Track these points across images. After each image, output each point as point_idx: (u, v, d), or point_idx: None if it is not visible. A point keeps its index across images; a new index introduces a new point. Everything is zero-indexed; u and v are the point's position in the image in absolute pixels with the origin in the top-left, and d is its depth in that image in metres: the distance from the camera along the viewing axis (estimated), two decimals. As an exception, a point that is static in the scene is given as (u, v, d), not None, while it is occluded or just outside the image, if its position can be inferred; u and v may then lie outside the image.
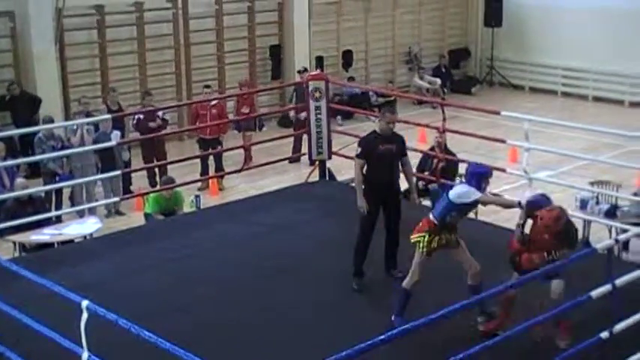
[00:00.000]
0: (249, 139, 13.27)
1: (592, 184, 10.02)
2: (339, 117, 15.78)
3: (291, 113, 13.98)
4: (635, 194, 9.31)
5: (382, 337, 3.88)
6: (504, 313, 6.00)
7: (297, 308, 6.72)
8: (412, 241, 6.25)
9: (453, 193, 6.19)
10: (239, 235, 8.46)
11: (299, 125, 12.91)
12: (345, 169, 10.92)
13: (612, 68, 17.47)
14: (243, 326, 6.39)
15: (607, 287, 4.88)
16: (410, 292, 6.22)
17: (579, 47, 17.91)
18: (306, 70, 14.50)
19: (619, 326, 4.95)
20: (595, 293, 4.86)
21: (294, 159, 12.80)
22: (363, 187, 7.11)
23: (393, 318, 6.18)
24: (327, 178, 10.44)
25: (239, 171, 10.39)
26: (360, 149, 7.08)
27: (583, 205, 9.24)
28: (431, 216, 6.26)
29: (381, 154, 7.07)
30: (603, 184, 10.02)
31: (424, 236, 6.19)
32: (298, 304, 6.80)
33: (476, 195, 6.09)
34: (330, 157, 10.26)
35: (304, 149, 10.97)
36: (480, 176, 6.25)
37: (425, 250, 6.17)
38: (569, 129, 12.69)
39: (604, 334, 4.88)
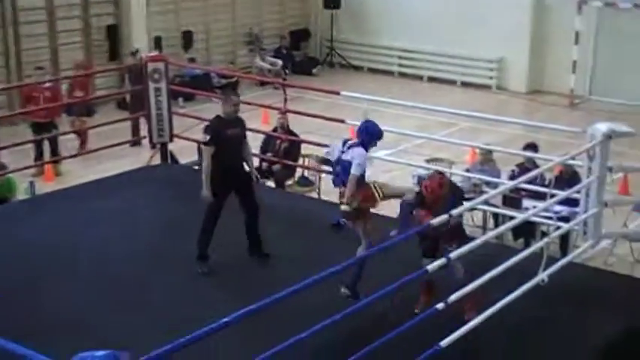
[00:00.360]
0: (82, 123, 12.79)
1: (428, 161, 10.42)
2: (180, 99, 15.54)
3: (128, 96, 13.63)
4: (468, 170, 9.76)
5: (226, 319, 3.87)
6: (426, 296, 6.10)
7: (142, 292, 6.60)
8: (380, 193, 6.27)
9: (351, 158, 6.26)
10: (78, 221, 8.18)
11: (135, 108, 12.63)
12: (188, 152, 10.79)
13: (445, 50, 18.19)
14: (85, 311, 6.22)
15: (443, 260, 5.08)
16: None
17: (414, 29, 18.51)
18: (138, 51, 14.15)
19: (453, 297, 5.18)
20: (431, 266, 5.05)
21: (135, 142, 12.50)
22: (212, 173, 6.96)
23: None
24: (170, 161, 10.26)
25: (75, 155, 10.02)
26: (208, 136, 6.94)
27: (419, 181, 9.56)
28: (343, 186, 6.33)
29: (229, 139, 7.02)
30: (438, 161, 10.44)
31: (372, 184, 6.31)
32: (143, 288, 6.68)
33: (358, 169, 6.19)
34: (171, 140, 10.10)
35: (144, 132, 10.71)
36: (373, 137, 6.35)
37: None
38: (406, 108, 13.10)
39: (440, 305, 5.08)
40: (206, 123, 7.18)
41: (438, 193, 6.00)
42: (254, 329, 5.00)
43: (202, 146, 7.05)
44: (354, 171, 6.21)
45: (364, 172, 6.29)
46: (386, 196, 6.40)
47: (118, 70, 15.68)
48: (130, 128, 12.94)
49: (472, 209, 8.35)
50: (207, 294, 6.61)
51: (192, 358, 4.55)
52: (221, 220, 7.04)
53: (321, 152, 10.35)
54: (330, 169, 6.78)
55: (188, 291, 6.70)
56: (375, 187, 6.34)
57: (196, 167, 10.42)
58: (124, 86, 14.60)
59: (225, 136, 6.97)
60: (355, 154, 6.25)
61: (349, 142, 6.39)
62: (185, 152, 10.79)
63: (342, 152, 6.37)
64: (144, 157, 11.25)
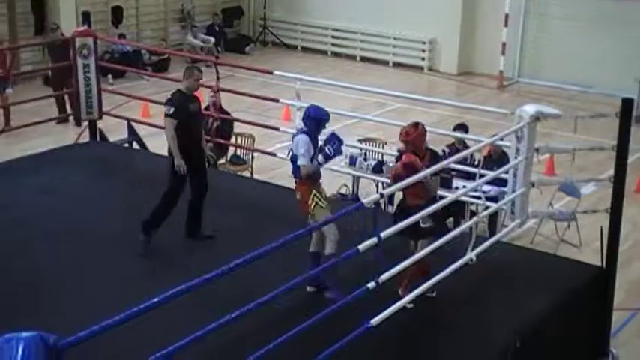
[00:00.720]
0: (4, 99, 12.41)
1: (360, 141, 10.47)
2: (109, 76, 15.26)
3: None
4: (399, 151, 9.81)
5: (157, 299, 3.82)
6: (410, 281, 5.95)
7: (73, 271, 6.49)
8: (311, 209, 5.98)
9: (294, 147, 6.09)
10: (4, 199, 7.96)
11: (57, 85, 12.37)
12: (117, 130, 10.61)
13: (377, 29, 18.27)
14: (11, 291, 6.07)
15: (373, 240, 5.12)
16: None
17: (347, 9, 18.53)
18: (58, 27, 13.80)
19: (384, 276, 5.23)
20: (362, 246, 5.08)
21: (61, 120, 12.22)
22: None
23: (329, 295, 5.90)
24: (99, 139, 10.07)
25: (1, 132, 9.74)
26: (172, 108, 6.82)
27: (352, 161, 9.62)
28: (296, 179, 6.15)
29: (192, 114, 6.96)
30: (371, 142, 10.50)
31: (314, 194, 6.02)
32: (73, 266, 6.57)
33: (303, 159, 6.01)
34: (101, 117, 9.91)
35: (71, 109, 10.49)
36: (318, 122, 6.17)
37: (324, 203, 6.01)
38: (338, 88, 13.13)
39: (371, 284, 5.12)
40: (167, 96, 7.03)
41: (415, 136, 6.08)
42: (188, 311, 4.97)
43: (166, 118, 6.88)
44: (300, 162, 6.03)
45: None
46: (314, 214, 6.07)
47: (39, 45, 15.23)
48: (56, 105, 12.64)
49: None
50: (143, 272, 6.52)
51: (123, 339, 4.51)
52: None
53: (253, 131, 10.35)
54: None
55: (120, 270, 6.58)
56: (315, 199, 6.05)
57: (126, 145, 10.27)
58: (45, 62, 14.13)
59: (188, 110, 6.91)
60: (298, 144, 6.06)
61: (296, 130, 6.30)
62: (114, 130, 10.60)
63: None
64: (71, 135, 11.03)
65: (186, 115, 6.88)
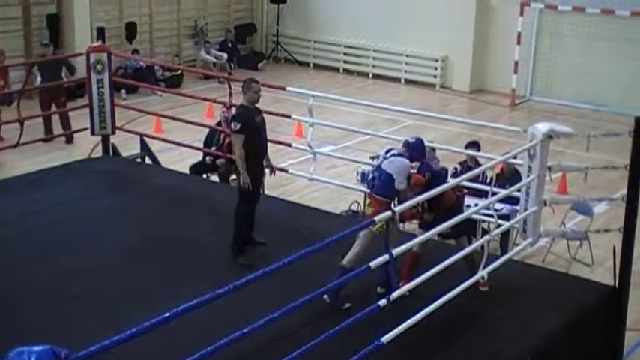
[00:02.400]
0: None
1: (372, 158, 10.44)
2: (123, 91, 15.36)
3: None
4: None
5: (168, 314, 3.83)
6: (408, 271, 6.12)
7: (84, 282, 6.50)
8: (378, 231, 5.79)
9: (393, 168, 6.08)
10: (17, 213, 8.00)
11: (45, 104, 12.44)
12: (130, 145, 10.66)
13: (389, 46, 18.32)
14: (23, 304, 6.09)
15: (385, 257, 5.12)
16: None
17: (359, 26, 18.59)
18: (49, 44, 13.87)
19: (396, 293, 5.22)
20: (373, 263, 5.08)
21: (67, 139, 12.31)
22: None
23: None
24: (111, 154, 10.12)
25: (15, 146, 9.78)
26: (238, 124, 6.83)
27: (363, 178, 9.60)
28: (375, 195, 6.12)
29: (257, 127, 7.01)
30: (382, 158, 10.48)
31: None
32: (85, 279, 6.59)
33: (402, 183, 6.04)
34: (114, 132, 9.96)
35: (76, 125, 10.51)
36: (419, 157, 6.26)
37: (381, 230, 5.83)
38: (350, 105, 13.15)
39: (382, 302, 5.12)
40: (232, 112, 7.13)
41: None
42: (200, 325, 4.98)
43: (233, 135, 6.93)
44: (403, 187, 6.05)
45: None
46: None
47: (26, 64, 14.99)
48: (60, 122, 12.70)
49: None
50: (155, 286, 6.53)
51: (134, 353, 4.52)
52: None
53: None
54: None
55: (133, 282, 6.59)
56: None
57: (138, 160, 10.32)
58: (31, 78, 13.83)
59: (253, 124, 6.95)
60: (402, 166, 6.09)
61: (394, 151, 6.26)
62: (127, 145, 10.65)
63: (385, 159, 6.21)
64: (84, 149, 11.08)
65: (252, 129, 6.90)
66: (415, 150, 6.29)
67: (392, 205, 5.79)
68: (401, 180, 6.05)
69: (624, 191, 6.68)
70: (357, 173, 9.87)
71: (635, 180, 6.61)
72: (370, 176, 6.32)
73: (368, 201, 6.21)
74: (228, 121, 10.05)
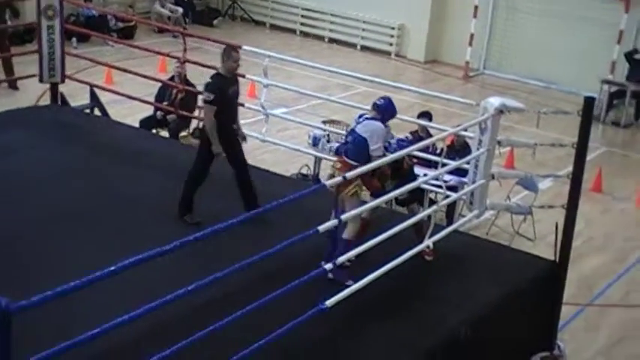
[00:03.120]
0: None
1: (324, 122, 10.45)
2: (74, 39, 15.02)
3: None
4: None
5: (113, 267, 3.78)
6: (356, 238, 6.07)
7: (33, 234, 6.40)
8: (350, 194, 5.89)
9: (366, 131, 6.02)
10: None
11: (5, 46, 12.14)
12: (80, 95, 10.45)
13: (347, 12, 18.23)
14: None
15: (334, 222, 5.13)
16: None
17: (319, -11, 18.45)
18: None
19: (342, 258, 5.25)
20: (322, 227, 5.08)
21: (11, 85, 12.01)
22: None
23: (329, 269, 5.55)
24: (60, 102, 9.91)
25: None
26: (212, 95, 6.66)
27: (315, 142, 9.62)
28: (347, 159, 6.05)
29: (231, 98, 6.87)
30: (334, 123, 10.49)
31: (358, 182, 5.93)
32: (32, 229, 6.49)
33: (379, 150, 6.01)
34: (63, 81, 9.75)
35: (24, 71, 10.27)
36: (390, 117, 6.23)
37: (361, 194, 5.98)
38: (305, 68, 13.07)
39: (328, 266, 5.14)
40: (207, 80, 6.85)
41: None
42: (145, 282, 4.94)
43: (205, 105, 6.78)
44: (377, 152, 6.00)
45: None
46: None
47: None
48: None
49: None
50: (99, 242, 6.45)
51: (78, 306, 4.48)
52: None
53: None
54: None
55: (79, 235, 6.50)
56: (357, 187, 6.02)
57: (87, 111, 10.13)
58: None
59: (227, 95, 6.80)
60: (376, 131, 6.05)
61: (367, 115, 6.21)
62: (76, 95, 10.45)
63: (358, 123, 6.16)
64: (30, 96, 10.83)
65: (225, 101, 6.76)
66: (386, 111, 6.24)
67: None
68: (375, 142, 6.04)
69: (570, 169, 6.80)
70: (309, 137, 9.86)
71: (580, 158, 6.73)
72: (343, 140, 6.31)
73: (338, 165, 6.14)
74: (181, 76, 10.02)
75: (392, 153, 6.14)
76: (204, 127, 6.90)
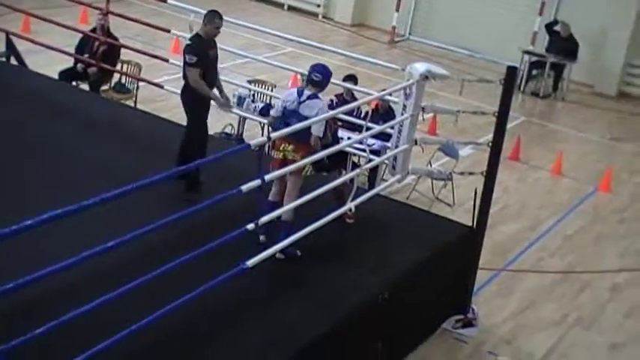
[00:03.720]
0: None
1: (250, 82, 10.36)
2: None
3: None
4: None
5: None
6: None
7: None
8: (304, 175, 5.82)
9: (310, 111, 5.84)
10: None
11: None
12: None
13: (276, -29, 18.03)
14: None
15: (257, 182, 5.11)
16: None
17: (247, -55, 18.14)
18: None
19: (264, 218, 5.25)
20: (245, 187, 5.06)
21: None
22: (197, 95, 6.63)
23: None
24: None
25: None
26: (195, 57, 6.51)
27: (240, 101, 9.52)
28: (301, 142, 5.84)
29: (211, 60, 6.72)
30: (260, 84, 10.41)
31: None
32: None
33: (320, 130, 5.88)
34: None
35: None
36: (328, 82, 6.05)
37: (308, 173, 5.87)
38: (230, 26, 12.86)
39: (250, 226, 5.13)
40: (187, 42, 6.69)
41: None
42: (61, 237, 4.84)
43: (189, 67, 6.57)
44: (318, 131, 5.86)
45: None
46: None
47: None
48: None
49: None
50: (15, 194, 6.27)
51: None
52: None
53: (140, 59, 10.05)
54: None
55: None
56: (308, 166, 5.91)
57: (3, 59, 9.76)
58: None
59: (207, 57, 6.65)
60: (320, 111, 5.87)
61: (307, 93, 5.96)
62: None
63: (300, 103, 5.93)
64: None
65: (206, 62, 6.64)
66: (324, 83, 6.06)
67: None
68: (319, 126, 5.87)
69: (490, 137, 6.92)
70: (234, 96, 9.74)
71: (501, 126, 6.85)
72: (285, 123, 5.94)
73: (291, 146, 5.88)
74: (104, 28, 9.75)
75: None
76: (191, 90, 6.66)
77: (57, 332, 3.94)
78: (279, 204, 5.96)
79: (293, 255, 5.89)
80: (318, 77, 6.00)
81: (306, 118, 5.85)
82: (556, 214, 9.90)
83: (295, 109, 5.97)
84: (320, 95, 6.06)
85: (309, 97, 5.96)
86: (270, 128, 6.27)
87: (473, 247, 7.09)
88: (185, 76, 6.71)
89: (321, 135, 5.95)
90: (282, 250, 5.67)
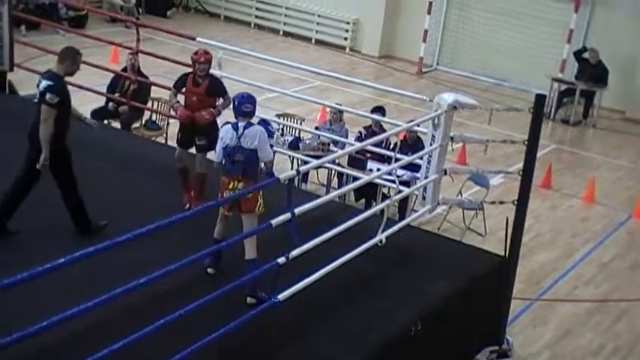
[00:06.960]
0: None
1: (278, 116, 10.43)
2: (23, 27, 14.73)
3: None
4: (317, 128, 9.87)
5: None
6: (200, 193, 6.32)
7: None
8: (259, 207, 5.74)
9: (252, 142, 5.78)
10: None
11: None
12: (29, 84, 10.23)
13: (302, 5, 18.20)
14: None
15: (287, 215, 5.12)
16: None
17: (274, -19, 18.39)
18: None
19: (295, 252, 5.25)
20: (275, 221, 5.08)
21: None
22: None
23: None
24: (7, 91, 9.71)
25: None
26: (57, 98, 6.23)
27: (270, 135, 9.56)
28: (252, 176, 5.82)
29: (69, 102, 6.45)
30: (288, 117, 10.48)
31: (261, 193, 5.76)
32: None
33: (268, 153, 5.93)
34: (11, 69, 9.56)
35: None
36: (254, 106, 5.97)
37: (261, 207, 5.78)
38: (259, 61, 13.02)
39: (281, 260, 5.13)
40: (46, 82, 6.34)
41: None
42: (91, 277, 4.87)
43: (47, 107, 6.26)
44: (270, 157, 5.95)
45: None
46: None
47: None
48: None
49: (318, 167, 8.46)
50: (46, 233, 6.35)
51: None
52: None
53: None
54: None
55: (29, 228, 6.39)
56: (261, 199, 5.80)
57: (36, 100, 9.92)
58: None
59: (69, 99, 6.44)
60: (265, 137, 5.84)
61: (242, 124, 5.83)
62: (25, 83, 10.24)
63: (239, 137, 5.78)
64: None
65: (67, 105, 6.35)
66: (254, 110, 5.96)
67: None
68: (268, 150, 5.90)
69: (520, 165, 6.89)
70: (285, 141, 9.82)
71: (531, 155, 6.82)
72: (231, 160, 5.80)
73: (241, 184, 5.76)
74: (134, 67, 9.90)
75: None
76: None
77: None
78: (222, 241, 5.70)
79: (262, 299, 5.53)
80: (249, 108, 5.89)
81: (250, 149, 5.77)
82: (590, 242, 9.79)
83: (237, 145, 5.81)
84: (253, 122, 5.92)
85: (245, 128, 5.83)
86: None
87: (506, 277, 7.02)
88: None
89: (271, 157, 6.02)
90: (250, 294, 5.56)
